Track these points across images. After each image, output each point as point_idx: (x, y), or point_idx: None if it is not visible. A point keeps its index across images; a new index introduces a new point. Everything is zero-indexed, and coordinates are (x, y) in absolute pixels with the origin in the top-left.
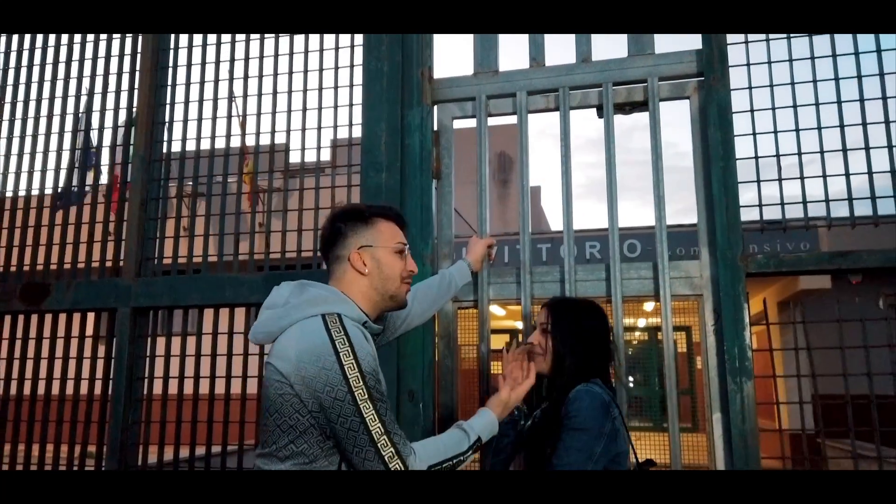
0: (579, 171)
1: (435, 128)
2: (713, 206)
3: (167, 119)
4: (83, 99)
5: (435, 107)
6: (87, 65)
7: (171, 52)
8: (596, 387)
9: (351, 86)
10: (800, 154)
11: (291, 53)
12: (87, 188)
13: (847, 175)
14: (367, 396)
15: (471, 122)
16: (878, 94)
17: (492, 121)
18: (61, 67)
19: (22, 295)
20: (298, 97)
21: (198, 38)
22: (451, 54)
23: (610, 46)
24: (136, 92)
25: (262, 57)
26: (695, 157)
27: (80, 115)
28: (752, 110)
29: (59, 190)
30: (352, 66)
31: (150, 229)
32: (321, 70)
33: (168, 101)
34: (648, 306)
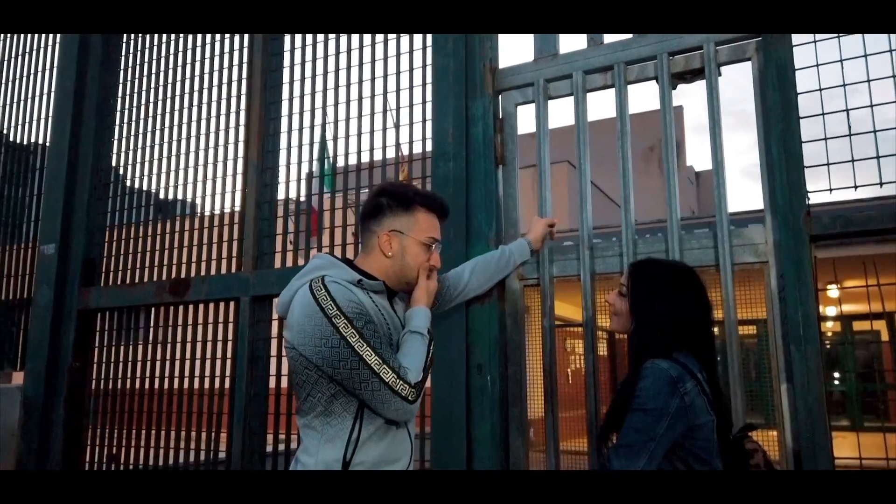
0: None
1: (500, 116)
2: (773, 168)
3: (273, 131)
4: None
5: (500, 95)
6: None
7: (275, 72)
8: (664, 362)
9: (424, 84)
10: (872, 107)
11: (373, 60)
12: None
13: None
14: (358, 336)
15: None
16: None
17: (645, 105)
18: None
19: (171, 289)
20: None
21: (297, 56)
22: (520, 42)
23: None
24: (251, 110)
25: (346, 67)
26: (757, 119)
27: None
28: (817, 65)
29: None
30: (424, 66)
31: (264, 228)
32: (398, 73)
33: (273, 115)
34: (832, 292)
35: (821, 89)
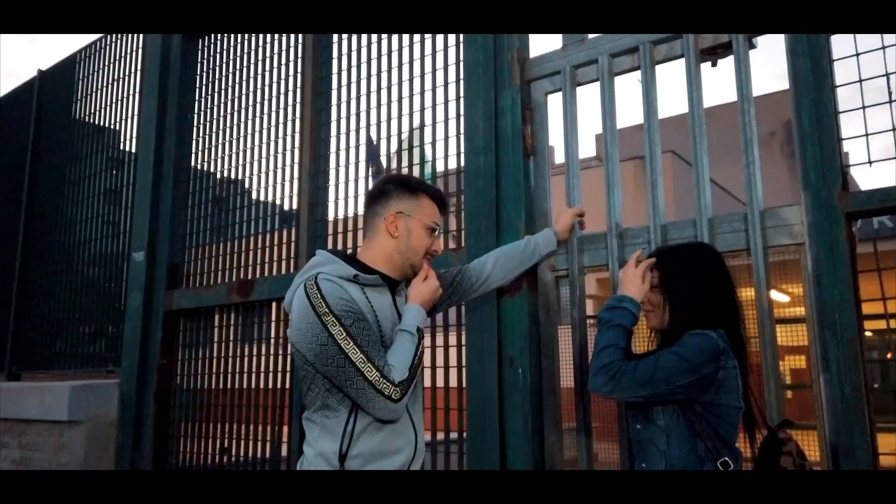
0: None
1: (531, 106)
2: (805, 142)
3: (324, 136)
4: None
5: (531, 85)
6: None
7: (323, 79)
8: (714, 333)
9: (458, 80)
10: None
11: (411, 60)
12: None
13: None
14: (345, 335)
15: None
16: None
17: (766, 88)
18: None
19: (238, 290)
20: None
21: (343, 62)
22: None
23: None
24: (304, 118)
25: (387, 69)
26: (791, 91)
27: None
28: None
29: None
30: (458, 62)
31: (317, 229)
32: (434, 70)
33: (324, 121)
34: None
35: (857, 54)
